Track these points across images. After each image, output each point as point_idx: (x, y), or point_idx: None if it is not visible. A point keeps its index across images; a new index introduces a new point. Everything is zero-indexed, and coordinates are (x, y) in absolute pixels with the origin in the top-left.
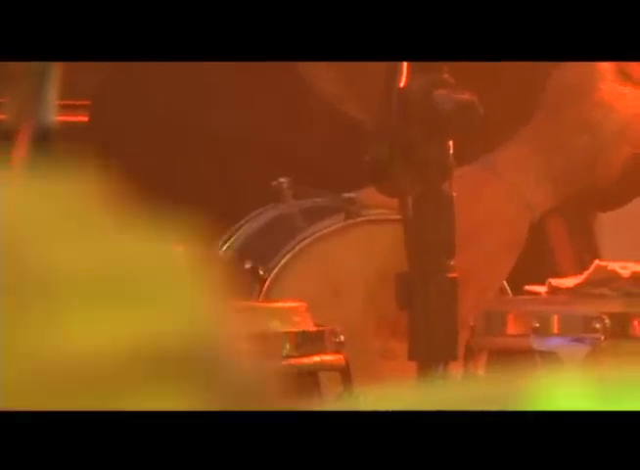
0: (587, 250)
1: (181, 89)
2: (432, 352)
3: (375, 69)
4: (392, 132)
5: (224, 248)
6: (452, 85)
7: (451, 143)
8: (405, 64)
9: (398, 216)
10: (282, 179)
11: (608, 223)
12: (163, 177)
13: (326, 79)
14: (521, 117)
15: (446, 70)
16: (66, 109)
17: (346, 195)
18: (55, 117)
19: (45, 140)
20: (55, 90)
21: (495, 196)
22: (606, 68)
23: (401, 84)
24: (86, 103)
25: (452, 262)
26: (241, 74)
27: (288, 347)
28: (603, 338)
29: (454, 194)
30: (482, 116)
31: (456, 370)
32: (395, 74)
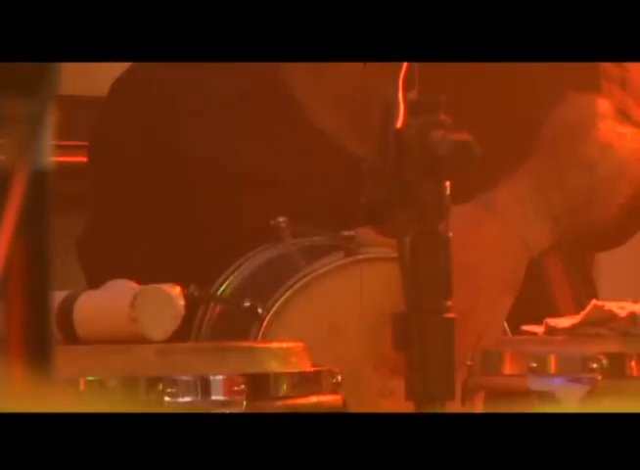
0: (585, 289)
1: (180, 126)
2: (429, 391)
3: (375, 107)
4: (389, 173)
5: (223, 287)
6: (449, 126)
7: (448, 184)
8: (402, 104)
9: (397, 255)
10: (280, 218)
11: (606, 263)
12: (163, 215)
13: (328, 116)
14: (520, 154)
15: (443, 111)
16: (61, 149)
17: (345, 233)
18: (50, 158)
19: (41, 181)
20: (50, 131)
21: (493, 234)
22: (606, 107)
23: (398, 125)
24: (82, 143)
25: (449, 303)
26: (240, 110)
27: (285, 387)
28: (600, 378)
29: (451, 234)
30: (479, 156)
31: (454, 409)
32: (392, 114)
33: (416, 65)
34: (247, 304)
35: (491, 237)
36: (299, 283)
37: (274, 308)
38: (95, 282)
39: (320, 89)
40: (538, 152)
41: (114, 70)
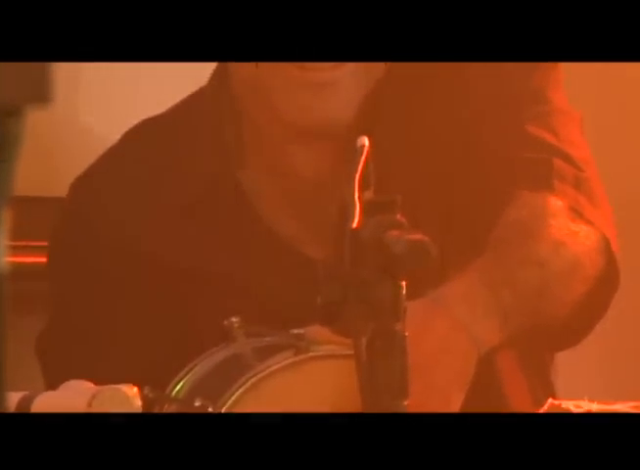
0: (542, 387)
1: (137, 227)
2: None
3: (330, 210)
4: (345, 272)
5: (178, 387)
6: (404, 226)
7: (404, 283)
8: (358, 204)
9: (348, 352)
10: (233, 319)
11: (562, 361)
12: (120, 315)
13: (283, 218)
14: (471, 251)
15: (398, 211)
16: (19, 250)
17: (295, 331)
18: (5, 259)
19: None
20: (6, 232)
21: (443, 330)
22: (558, 205)
23: (354, 224)
24: (41, 244)
25: (406, 403)
26: (197, 212)
27: None
28: None
29: (407, 333)
30: (435, 256)
31: None
32: (348, 214)
33: (372, 164)
34: (197, 403)
35: (441, 333)
36: (250, 381)
37: (225, 407)
38: (54, 381)
39: (275, 191)
40: (489, 249)
41: (72, 169)
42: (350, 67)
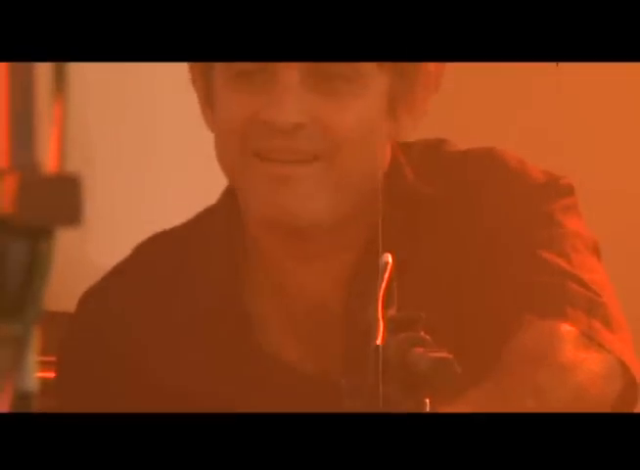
0: None
1: (142, 343)
2: None
3: (335, 325)
4: (369, 389)
5: None
6: (429, 343)
7: (427, 401)
8: (381, 321)
9: None
10: None
11: None
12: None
13: (287, 342)
14: (480, 373)
15: (422, 328)
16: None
17: None
18: (35, 376)
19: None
20: (35, 353)
21: None
22: (568, 332)
23: (378, 341)
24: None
25: None
26: (204, 332)
27: None
28: None
29: None
30: (459, 374)
31: None
32: (372, 331)
33: (395, 283)
34: None
35: None
36: None
37: None
38: None
39: (280, 313)
40: (493, 373)
41: (79, 285)
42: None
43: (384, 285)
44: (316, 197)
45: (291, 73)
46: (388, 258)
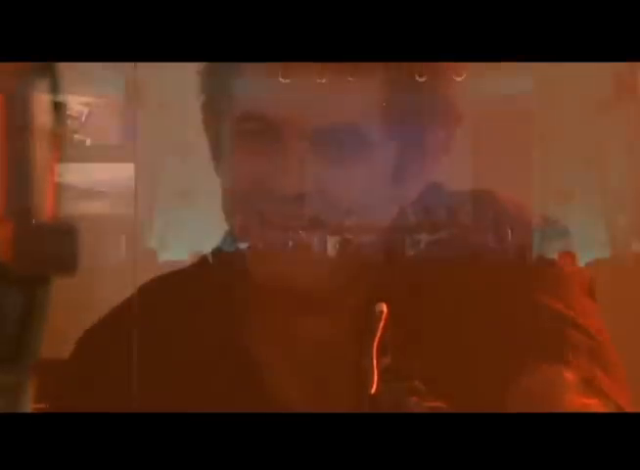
0: None
1: (143, 385)
2: None
3: (341, 371)
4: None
5: None
6: (423, 392)
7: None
8: (376, 370)
9: None
10: None
11: None
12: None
13: (290, 389)
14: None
15: (417, 377)
16: None
17: None
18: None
19: None
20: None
21: None
22: (570, 379)
23: (372, 391)
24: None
25: None
26: (207, 377)
27: None
28: None
29: None
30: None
31: None
32: (367, 380)
33: (389, 332)
34: None
35: None
36: None
37: None
38: None
39: (284, 355)
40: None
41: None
42: None
43: (378, 334)
44: (319, 264)
45: (299, 144)
46: (383, 307)
